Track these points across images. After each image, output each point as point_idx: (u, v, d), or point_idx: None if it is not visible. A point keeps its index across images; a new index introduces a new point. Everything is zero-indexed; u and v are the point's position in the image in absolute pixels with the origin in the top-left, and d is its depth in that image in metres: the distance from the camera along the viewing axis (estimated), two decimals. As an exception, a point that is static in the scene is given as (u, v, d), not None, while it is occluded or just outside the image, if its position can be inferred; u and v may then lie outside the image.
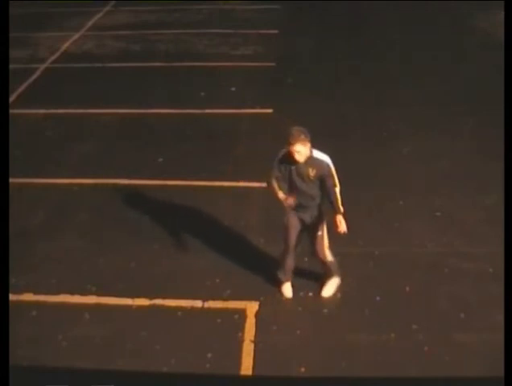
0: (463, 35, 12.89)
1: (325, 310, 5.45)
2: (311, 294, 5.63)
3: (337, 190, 5.20)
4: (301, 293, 5.63)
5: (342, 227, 5.17)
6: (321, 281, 5.66)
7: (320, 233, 5.36)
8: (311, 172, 5.10)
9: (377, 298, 5.55)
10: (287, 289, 5.64)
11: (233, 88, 10.32)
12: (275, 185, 5.31)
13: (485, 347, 4.96)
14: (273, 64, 11.36)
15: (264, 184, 7.31)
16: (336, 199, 5.18)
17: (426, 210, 6.85)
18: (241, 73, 11.01)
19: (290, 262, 5.53)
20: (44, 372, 4.86)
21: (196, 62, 11.67)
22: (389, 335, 5.13)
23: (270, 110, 9.38)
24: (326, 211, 5.31)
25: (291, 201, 5.25)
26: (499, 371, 4.14)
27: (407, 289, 5.66)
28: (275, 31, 13.37)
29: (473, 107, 9.36)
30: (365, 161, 7.86)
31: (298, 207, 5.31)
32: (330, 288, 5.62)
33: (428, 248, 6.24)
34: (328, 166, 5.14)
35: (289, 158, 5.10)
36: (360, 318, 5.34)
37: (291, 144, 4.97)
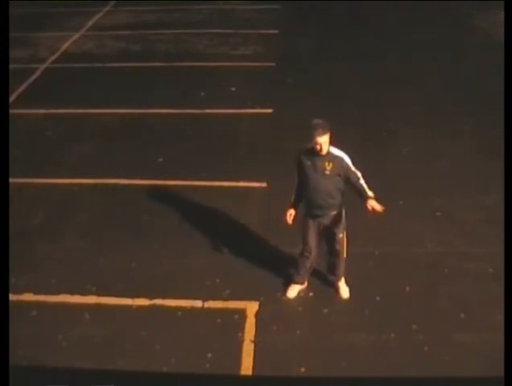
0: (463, 35, 12.89)
1: (325, 310, 5.45)
2: (311, 294, 5.63)
3: (362, 181, 5.21)
4: (301, 293, 5.64)
5: (377, 207, 5.11)
6: (333, 284, 5.68)
7: (341, 235, 5.36)
8: (328, 166, 5.07)
9: (377, 298, 5.55)
10: (292, 290, 5.64)
11: (233, 88, 10.31)
12: (294, 197, 5.33)
13: (485, 347, 4.96)
14: (273, 64, 11.35)
15: (264, 184, 7.36)
16: (363, 188, 5.18)
17: (426, 210, 6.85)
18: (241, 73, 11.01)
19: (306, 264, 5.52)
20: (44, 372, 4.87)
21: (196, 62, 11.67)
22: (389, 335, 5.13)
23: (270, 110, 9.38)
24: (347, 212, 5.33)
25: (289, 218, 5.29)
26: (499, 371, 4.15)
27: (407, 289, 5.67)
28: (275, 31, 13.37)
29: (473, 107, 9.36)
30: (365, 161, 7.84)
31: (315, 210, 5.25)
32: (346, 288, 5.65)
33: (428, 248, 6.24)
34: (343, 160, 5.13)
35: (306, 155, 5.12)
36: (360, 318, 5.34)
37: (320, 134, 4.91)
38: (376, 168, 7.71)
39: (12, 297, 5.32)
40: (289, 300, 5.57)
